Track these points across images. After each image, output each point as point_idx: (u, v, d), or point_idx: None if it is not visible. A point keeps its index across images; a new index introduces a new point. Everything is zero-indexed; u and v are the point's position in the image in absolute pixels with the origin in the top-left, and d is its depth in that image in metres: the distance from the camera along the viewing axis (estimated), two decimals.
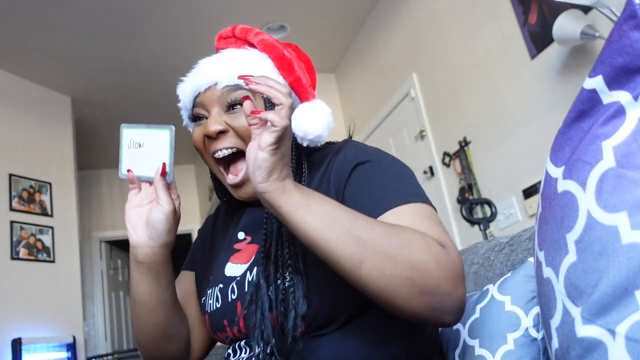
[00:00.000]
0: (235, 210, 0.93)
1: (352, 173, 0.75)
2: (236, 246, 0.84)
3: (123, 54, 3.73)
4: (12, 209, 3.50)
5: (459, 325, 0.82)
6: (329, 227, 0.61)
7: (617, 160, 0.47)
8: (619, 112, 0.49)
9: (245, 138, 0.77)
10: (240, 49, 0.83)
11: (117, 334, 5.35)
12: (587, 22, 1.92)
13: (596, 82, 0.51)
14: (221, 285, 0.80)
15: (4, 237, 3.40)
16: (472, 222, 2.35)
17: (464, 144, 2.82)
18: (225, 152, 0.78)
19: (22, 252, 3.47)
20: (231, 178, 0.79)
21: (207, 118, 0.80)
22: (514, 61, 2.43)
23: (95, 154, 5.18)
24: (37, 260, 3.55)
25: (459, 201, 2.88)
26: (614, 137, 0.48)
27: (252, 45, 0.83)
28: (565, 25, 1.95)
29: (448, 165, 2.98)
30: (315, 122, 0.75)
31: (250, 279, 0.76)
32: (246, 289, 0.75)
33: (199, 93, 0.80)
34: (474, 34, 2.71)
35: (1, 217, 3.43)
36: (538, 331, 0.72)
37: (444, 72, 2.99)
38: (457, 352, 0.79)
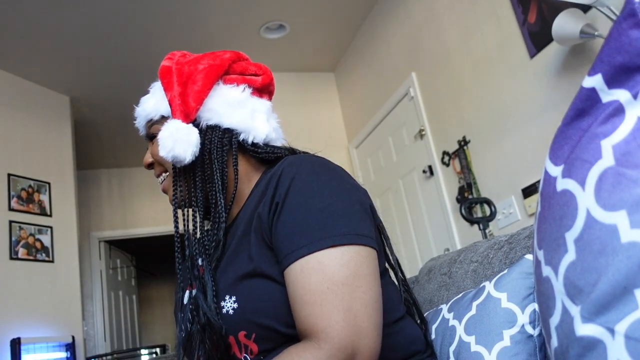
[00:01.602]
0: None
1: (274, 215, 0.72)
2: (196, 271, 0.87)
3: (123, 54, 3.73)
4: (10, 209, 3.50)
5: (454, 322, 0.82)
6: None
7: (616, 158, 0.47)
8: (618, 110, 0.49)
9: (162, 164, 0.89)
10: (157, 81, 0.92)
11: (116, 333, 5.35)
12: (586, 21, 1.92)
13: (595, 81, 0.51)
14: (182, 314, 0.85)
15: (3, 237, 3.40)
16: (471, 221, 2.34)
17: (464, 143, 2.82)
18: (160, 179, 0.92)
19: (21, 252, 3.47)
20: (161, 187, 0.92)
21: None
22: (514, 60, 2.43)
23: (94, 153, 5.17)
24: (36, 260, 3.55)
25: (458, 200, 2.88)
26: (613, 136, 0.48)
27: None
28: (565, 24, 1.95)
29: (447, 165, 2.98)
30: (162, 146, 0.81)
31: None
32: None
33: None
34: (473, 33, 2.71)
35: (0, 217, 3.43)
36: (534, 328, 0.72)
37: (444, 71, 2.99)
38: (452, 348, 0.79)
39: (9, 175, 3.56)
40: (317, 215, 0.69)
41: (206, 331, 0.71)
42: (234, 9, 3.46)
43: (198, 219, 0.84)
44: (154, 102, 0.89)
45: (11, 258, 3.40)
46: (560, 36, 1.99)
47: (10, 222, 3.47)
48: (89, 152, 5.03)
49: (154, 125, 0.89)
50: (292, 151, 0.89)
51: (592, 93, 0.51)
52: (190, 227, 0.84)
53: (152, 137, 0.90)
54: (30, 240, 3.56)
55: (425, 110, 3.20)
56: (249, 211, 0.79)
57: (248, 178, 0.87)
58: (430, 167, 3.13)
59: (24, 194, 3.62)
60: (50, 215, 3.76)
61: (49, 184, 3.82)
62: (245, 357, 0.73)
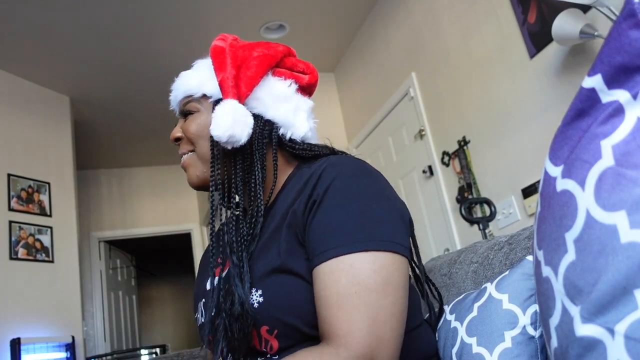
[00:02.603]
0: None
1: (310, 213, 0.71)
2: (220, 259, 0.86)
3: (122, 54, 3.73)
4: (10, 209, 3.50)
5: (456, 323, 0.82)
6: None
7: (616, 159, 0.47)
8: (618, 111, 0.49)
9: (193, 141, 0.86)
10: (203, 59, 0.92)
11: (116, 334, 5.35)
12: (586, 21, 1.92)
13: (595, 81, 0.51)
14: (203, 300, 0.85)
15: (3, 237, 3.40)
16: (471, 221, 2.35)
17: (463, 143, 2.82)
18: (184, 157, 0.89)
19: (21, 252, 3.47)
20: (182, 163, 0.89)
21: None
22: (514, 60, 2.43)
23: (94, 154, 5.17)
24: (35, 260, 3.55)
25: (458, 200, 2.88)
26: (613, 136, 0.48)
27: None
28: (565, 24, 1.95)
29: (447, 165, 2.98)
30: (219, 124, 0.78)
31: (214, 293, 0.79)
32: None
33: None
34: (473, 33, 2.71)
35: (0, 217, 3.43)
36: (535, 329, 0.72)
37: (443, 71, 2.99)
38: (455, 350, 0.79)
39: (9, 175, 3.56)
40: (353, 218, 0.68)
41: (238, 320, 0.69)
42: (234, 9, 3.46)
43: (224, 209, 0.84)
44: (198, 78, 0.87)
45: (11, 258, 3.40)
46: (560, 36, 1.99)
47: (10, 222, 3.47)
48: (89, 152, 5.03)
49: (192, 102, 0.87)
50: (332, 151, 0.90)
51: (592, 93, 0.51)
52: (224, 215, 0.83)
53: (187, 113, 0.88)
54: (30, 240, 3.56)
55: (425, 110, 3.20)
56: (284, 206, 0.77)
57: (282, 171, 0.86)
58: (430, 167, 3.13)
59: (23, 194, 3.62)
60: (50, 216, 3.76)
61: (48, 184, 3.82)
62: (264, 351, 0.72)
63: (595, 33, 1.89)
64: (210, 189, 0.81)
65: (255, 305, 0.70)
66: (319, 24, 3.78)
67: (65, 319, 3.62)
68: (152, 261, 7.12)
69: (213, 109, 0.82)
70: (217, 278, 0.78)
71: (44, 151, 3.87)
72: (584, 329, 0.47)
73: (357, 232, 0.66)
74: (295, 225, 0.72)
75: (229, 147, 0.80)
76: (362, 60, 3.97)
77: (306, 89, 0.95)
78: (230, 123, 0.77)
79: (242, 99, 0.82)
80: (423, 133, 3.19)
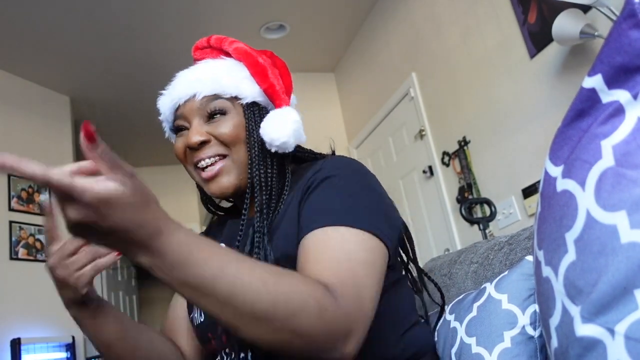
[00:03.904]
0: (221, 221, 0.97)
1: (307, 191, 0.74)
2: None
3: (122, 54, 3.73)
4: (11, 209, 3.50)
5: (455, 323, 0.82)
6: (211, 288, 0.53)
7: (616, 159, 0.47)
8: (618, 111, 0.49)
9: (228, 144, 0.80)
10: (216, 59, 0.86)
11: None
12: (586, 22, 1.92)
13: (595, 81, 0.51)
14: None
15: (3, 237, 3.40)
16: (471, 221, 2.35)
17: (464, 143, 2.82)
18: (208, 161, 0.80)
19: (21, 252, 3.47)
20: (206, 173, 0.80)
21: (188, 129, 0.82)
22: (514, 60, 2.43)
23: None
24: (36, 260, 3.55)
25: (458, 201, 2.88)
26: (613, 136, 0.48)
27: (227, 54, 0.87)
28: (565, 24, 1.95)
29: (447, 165, 2.98)
30: (281, 129, 0.77)
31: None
32: None
33: (179, 105, 0.82)
34: (473, 33, 2.71)
35: (0, 217, 3.43)
36: (535, 329, 0.72)
37: (444, 71, 2.99)
38: (454, 350, 0.80)
39: (9, 175, 3.56)
40: (344, 200, 0.70)
41: None
42: (234, 9, 3.46)
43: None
44: (229, 78, 0.81)
45: (11, 258, 3.40)
46: (560, 36, 1.99)
47: (11, 222, 3.47)
48: None
49: (221, 101, 0.80)
50: (331, 153, 0.91)
51: (592, 93, 0.51)
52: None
53: (215, 113, 0.80)
54: (31, 240, 3.56)
55: (425, 111, 3.19)
56: (286, 207, 0.77)
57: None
58: (430, 168, 3.13)
59: (24, 194, 3.62)
60: None
61: None
62: None
63: (596, 33, 1.89)
64: (256, 186, 0.78)
65: None
66: (319, 24, 3.78)
67: (65, 319, 3.57)
68: None
69: (245, 112, 0.81)
70: None
71: (44, 151, 3.87)
72: (584, 329, 0.47)
73: (347, 212, 0.68)
74: (293, 216, 0.73)
75: (281, 152, 0.79)
76: (362, 60, 3.97)
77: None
78: (293, 130, 0.77)
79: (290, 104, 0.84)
80: (423, 133, 3.19)
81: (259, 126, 0.80)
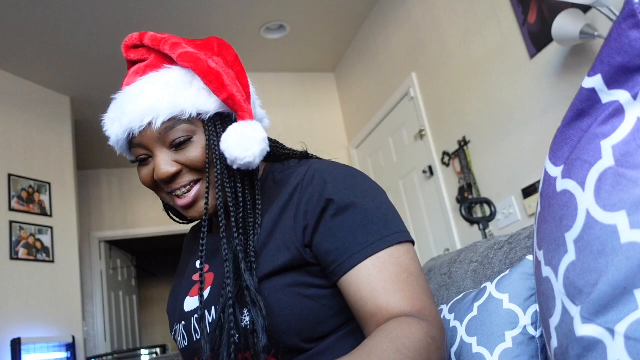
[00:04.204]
0: (197, 232, 0.93)
1: (323, 214, 0.69)
2: (194, 277, 0.82)
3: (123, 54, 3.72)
4: (11, 209, 3.50)
5: (455, 323, 0.82)
6: None
7: (616, 159, 0.47)
8: (618, 111, 0.49)
9: (200, 170, 0.74)
10: (159, 70, 0.75)
11: (116, 334, 5.35)
12: (586, 22, 1.92)
13: (595, 81, 0.51)
14: (184, 323, 0.78)
15: (3, 237, 3.40)
16: (471, 221, 2.35)
17: (464, 143, 2.82)
18: (185, 190, 0.75)
19: (22, 252, 3.47)
20: (182, 200, 0.75)
21: (151, 157, 0.75)
22: (514, 61, 2.43)
23: (94, 154, 5.17)
24: (36, 260, 3.55)
25: (458, 201, 2.88)
26: (613, 136, 0.48)
27: (169, 59, 0.76)
28: (565, 24, 1.95)
29: (447, 165, 2.98)
30: (243, 148, 0.69)
31: (210, 320, 0.71)
32: (208, 329, 0.70)
33: (133, 135, 0.74)
34: (473, 33, 2.71)
35: (0, 217, 3.43)
36: (536, 329, 0.72)
37: (444, 71, 2.99)
38: (454, 349, 0.79)
39: (10, 175, 3.56)
40: (375, 214, 0.70)
41: (253, 348, 0.65)
42: (234, 9, 3.46)
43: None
44: (185, 95, 0.72)
45: (11, 258, 3.40)
46: (560, 36, 1.99)
47: (11, 222, 3.47)
48: (89, 152, 5.03)
49: (183, 125, 0.72)
50: (303, 154, 0.87)
51: (592, 94, 0.51)
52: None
53: (180, 142, 0.73)
54: (31, 240, 3.56)
55: (425, 111, 3.20)
56: (270, 216, 0.74)
57: None
58: (430, 168, 3.13)
59: (24, 194, 3.62)
60: (51, 216, 3.77)
61: (49, 184, 3.82)
62: None
63: (596, 33, 1.89)
64: (230, 213, 0.72)
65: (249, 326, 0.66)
66: (319, 24, 3.78)
67: (65, 319, 3.62)
68: (152, 261, 7.12)
69: (206, 129, 0.73)
70: (213, 309, 0.72)
71: (44, 151, 3.87)
72: (584, 329, 0.47)
73: (384, 227, 0.69)
74: (289, 237, 0.70)
75: (244, 169, 0.72)
76: (362, 60, 3.97)
77: None
78: (259, 150, 0.70)
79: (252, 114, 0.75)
80: (423, 133, 3.19)
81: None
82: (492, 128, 2.60)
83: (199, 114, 0.73)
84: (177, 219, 0.93)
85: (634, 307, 0.43)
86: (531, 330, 0.72)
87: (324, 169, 0.74)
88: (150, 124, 0.72)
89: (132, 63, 0.81)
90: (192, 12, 3.42)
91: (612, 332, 0.44)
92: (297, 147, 0.91)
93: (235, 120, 0.75)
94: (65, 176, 3.97)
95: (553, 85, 2.21)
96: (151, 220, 5.62)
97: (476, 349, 0.75)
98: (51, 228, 3.73)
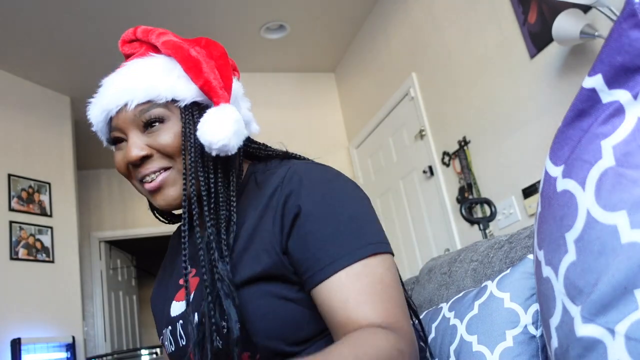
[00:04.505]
0: (178, 232, 0.92)
1: (296, 221, 0.68)
2: (181, 281, 0.79)
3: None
4: (11, 209, 3.50)
5: (455, 321, 0.82)
6: None
7: (616, 159, 0.47)
8: (619, 111, 0.49)
9: (171, 155, 0.73)
10: (144, 57, 0.77)
11: (116, 334, 5.35)
12: (586, 22, 1.92)
13: (596, 81, 0.51)
14: (170, 328, 0.78)
15: (3, 237, 3.40)
16: (471, 221, 2.34)
17: (464, 143, 2.82)
18: (154, 177, 0.74)
19: (21, 252, 3.47)
20: (148, 185, 0.74)
21: (126, 141, 0.75)
22: (514, 61, 2.43)
23: (94, 154, 5.17)
24: (36, 260, 3.55)
25: (458, 201, 2.88)
26: (613, 136, 0.48)
27: (157, 49, 0.78)
28: (565, 24, 1.95)
29: (448, 165, 2.98)
30: (218, 130, 0.69)
31: (194, 323, 0.70)
32: (190, 333, 0.69)
33: (111, 116, 0.75)
34: (473, 33, 2.71)
35: (0, 217, 3.43)
36: (537, 328, 0.72)
37: (444, 71, 2.99)
38: (453, 347, 0.79)
39: (9, 175, 3.56)
40: (348, 224, 0.67)
41: (233, 351, 0.63)
42: (234, 9, 3.46)
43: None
44: (161, 80, 0.73)
45: (11, 258, 3.40)
46: (561, 36, 1.99)
47: (11, 222, 3.47)
48: (89, 152, 5.03)
49: (158, 109, 0.73)
50: (285, 153, 0.85)
51: (593, 93, 0.51)
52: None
53: (152, 121, 0.73)
54: (31, 240, 3.56)
55: (425, 111, 3.20)
56: (251, 219, 0.72)
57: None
58: (430, 168, 3.13)
59: (24, 194, 3.62)
60: (51, 216, 3.76)
61: (49, 184, 3.82)
62: None
63: (596, 33, 1.89)
64: (184, 202, 0.71)
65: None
66: (319, 24, 3.78)
67: (65, 319, 3.62)
68: (152, 261, 7.12)
69: (182, 116, 0.73)
70: (184, 303, 0.72)
71: (44, 151, 3.88)
72: (585, 329, 0.47)
73: (357, 237, 0.67)
74: (268, 240, 0.69)
75: (222, 155, 0.71)
76: (362, 60, 3.97)
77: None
78: (233, 131, 0.69)
79: (230, 100, 0.74)
80: (423, 133, 3.19)
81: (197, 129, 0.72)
82: (492, 128, 2.60)
83: (175, 100, 0.73)
84: (161, 218, 0.92)
85: (634, 307, 0.43)
86: (532, 330, 0.72)
87: (302, 171, 0.72)
88: (126, 105, 0.73)
89: (127, 57, 0.82)
90: (192, 12, 3.42)
91: (612, 332, 0.44)
92: (296, 148, 0.90)
93: None
94: (65, 176, 3.97)
95: (553, 85, 2.21)
96: (151, 220, 5.59)
97: (476, 347, 0.75)
98: (51, 228, 3.73)
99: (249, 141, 0.83)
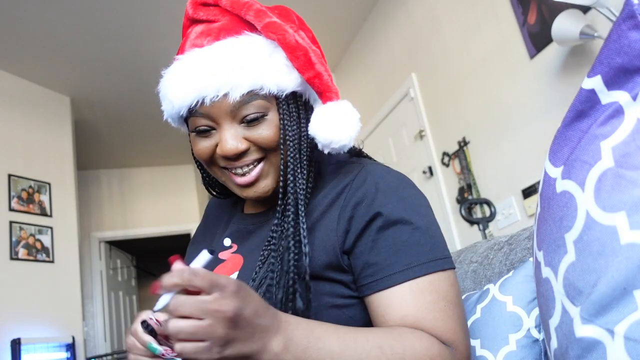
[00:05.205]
0: (226, 207, 0.88)
1: (370, 225, 0.66)
2: (221, 255, 0.77)
3: (123, 54, 3.73)
4: (11, 209, 3.50)
5: None
6: None
7: (615, 160, 0.47)
8: (618, 112, 0.49)
9: (270, 148, 0.69)
10: (239, 36, 0.68)
11: (116, 334, 5.35)
12: (586, 22, 1.92)
13: (595, 82, 0.51)
14: None
15: (3, 237, 3.40)
16: (471, 222, 2.35)
17: (463, 143, 2.82)
18: (248, 170, 0.70)
19: (22, 252, 3.47)
20: (242, 179, 0.70)
21: (214, 129, 0.69)
22: (513, 61, 2.43)
23: (94, 154, 5.17)
24: (36, 260, 3.55)
25: (458, 201, 2.88)
26: (612, 137, 0.48)
27: (249, 25, 0.70)
28: (564, 25, 1.95)
29: (447, 165, 2.98)
30: (341, 129, 0.66)
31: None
32: None
33: (202, 103, 0.67)
34: (473, 34, 2.71)
35: (0, 217, 3.43)
36: (540, 332, 0.71)
37: (444, 72, 2.99)
38: None
39: (9, 175, 3.56)
40: (422, 236, 0.66)
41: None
42: None
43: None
44: (268, 69, 0.67)
45: (11, 258, 3.40)
46: (560, 37, 1.99)
47: (11, 222, 3.47)
48: (89, 152, 5.03)
49: (259, 100, 0.67)
50: (356, 150, 0.83)
51: (592, 94, 0.51)
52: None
53: (255, 118, 0.67)
54: (31, 240, 3.56)
55: (425, 111, 3.20)
56: (313, 213, 0.70)
57: None
58: (430, 168, 3.13)
59: (24, 195, 3.62)
60: (51, 216, 3.76)
61: (49, 184, 3.82)
62: None
63: (595, 34, 1.89)
64: (292, 195, 0.67)
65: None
66: (320, 25, 3.78)
67: (65, 319, 3.62)
68: (152, 261, 7.11)
69: (281, 108, 0.68)
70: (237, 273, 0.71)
71: (44, 151, 3.88)
72: (584, 330, 0.47)
73: (429, 251, 0.65)
74: (329, 238, 0.67)
75: (335, 152, 0.69)
76: (362, 60, 3.97)
77: None
78: (356, 130, 0.68)
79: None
80: (423, 134, 3.19)
81: (300, 124, 0.69)
82: (492, 128, 2.60)
83: (277, 91, 0.68)
84: (215, 194, 0.86)
85: (633, 308, 0.43)
86: (535, 333, 0.71)
87: (377, 173, 0.70)
88: (226, 95, 0.66)
89: (195, 22, 0.74)
90: None
91: (611, 332, 0.44)
92: None
93: (308, 102, 0.73)
94: (65, 176, 3.97)
95: (553, 86, 2.21)
96: (151, 220, 5.62)
97: (479, 351, 0.74)
98: (51, 228, 3.73)
99: None
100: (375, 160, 0.80)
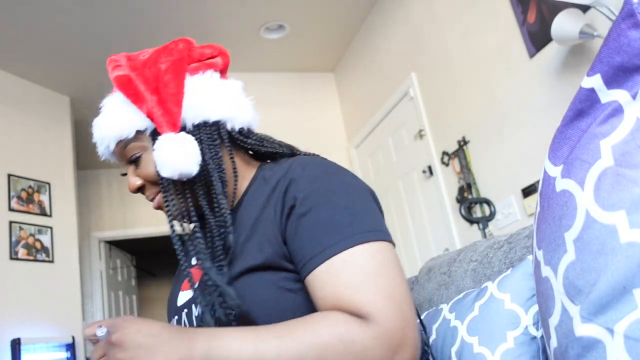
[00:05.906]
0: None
1: (291, 213, 0.70)
2: (192, 270, 0.82)
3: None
4: (10, 209, 3.50)
5: (456, 322, 0.82)
6: None
7: (615, 159, 0.47)
8: (617, 111, 0.49)
9: (155, 182, 0.80)
10: (111, 95, 0.84)
11: None
12: (585, 21, 1.92)
13: (594, 81, 0.51)
14: (176, 317, 0.82)
15: (3, 237, 3.40)
16: (471, 221, 2.35)
17: (463, 143, 2.82)
18: (152, 198, 0.83)
19: (21, 252, 3.47)
20: (153, 204, 0.84)
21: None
22: (513, 60, 2.43)
23: (94, 154, 5.12)
24: (36, 260, 3.55)
25: (458, 200, 2.88)
26: (612, 136, 0.48)
27: None
28: (564, 24, 1.95)
29: (447, 165, 2.98)
30: (165, 165, 0.75)
31: (196, 314, 0.75)
32: (194, 324, 0.76)
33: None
34: (472, 33, 2.71)
35: (0, 217, 3.43)
36: (537, 329, 0.72)
37: (443, 71, 2.99)
38: (454, 349, 0.79)
39: (9, 175, 3.56)
40: (341, 214, 0.68)
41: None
42: (233, 9, 3.46)
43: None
44: (121, 119, 0.79)
45: (11, 258, 3.40)
46: (560, 36, 1.99)
47: (11, 222, 3.47)
48: (89, 152, 5.02)
49: (131, 145, 0.79)
50: (290, 148, 0.87)
51: (591, 93, 0.51)
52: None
53: (134, 159, 0.80)
54: (30, 240, 3.56)
55: (425, 111, 3.20)
56: (254, 211, 0.75)
57: (242, 174, 0.83)
58: (429, 167, 3.13)
59: (24, 194, 3.62)
60: (50, 216, 3.76)
61: (49, 184, 3.82)
62: None
63: (595, 33, 1.89)
64: (170, 221, 0.79)
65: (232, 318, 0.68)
66: (319, 25, 3.78)
67: (65, 319, 3.62)
68: (152, 261, 7.12)
69: (153, 141, 0.78)
70: (188, 292, 0.79)
71: (44, 151, 3.87)
72: (584, 329, 0.47)
73: (348, 226, 0.66)
74: (271, 230, 0.71)
75: (184, 179, 0.77)
76: (362, 60, 3.97)
77: (224, 71, 0.87)
78: (173, 161, 0.74)
79: (177, 121, 0.77)
80: (423, 133, 3.19)
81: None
82: (492, 128, 2.60)
83: (139, 132, 0.78)
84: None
85: (633, 307, 0.43)
86: (532, 331, 0.72)
87: (302, 164, 0.74)
88: (108, 147, 0.82)
89: None
90: (192, 13, 3.42)
91: (611, 331, 0.44)
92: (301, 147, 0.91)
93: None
94: (65, 176, 3.97)
95: (552, 85, 2.21)
96: (151, 220, 5.62)
97: (477, 348, 0.74)
98: (51, 228, 3.73)
99: (242, 135, 0.83)
100: (310, 154, 0.84)
